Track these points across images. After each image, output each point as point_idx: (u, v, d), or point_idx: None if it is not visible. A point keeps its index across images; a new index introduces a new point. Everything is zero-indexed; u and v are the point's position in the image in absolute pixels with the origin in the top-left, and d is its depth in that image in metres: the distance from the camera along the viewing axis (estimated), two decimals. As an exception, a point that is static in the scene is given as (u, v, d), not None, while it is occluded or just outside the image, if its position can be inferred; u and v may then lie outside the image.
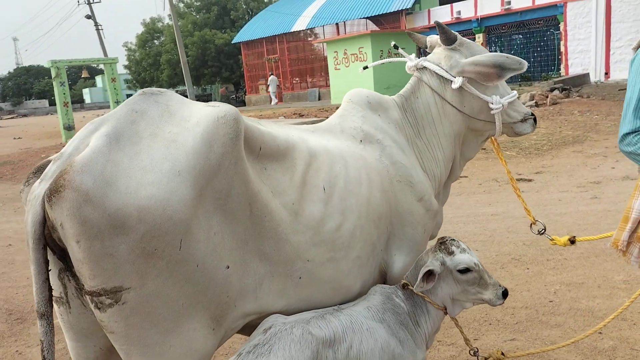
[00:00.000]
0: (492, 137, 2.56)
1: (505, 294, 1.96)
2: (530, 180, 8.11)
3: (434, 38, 2.46)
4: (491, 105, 2.29)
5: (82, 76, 26.82)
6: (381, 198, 2.01)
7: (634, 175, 7.64)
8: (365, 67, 2.72)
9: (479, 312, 3.83)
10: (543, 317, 3.74)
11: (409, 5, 24.10)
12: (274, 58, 30.28)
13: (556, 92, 16.47)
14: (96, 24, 35.73)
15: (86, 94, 76.32)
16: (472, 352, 2.20)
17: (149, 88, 1.63)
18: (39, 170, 1.53)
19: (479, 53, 2.31)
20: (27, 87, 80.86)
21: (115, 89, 19.25)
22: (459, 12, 23.60)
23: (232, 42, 34.29)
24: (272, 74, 29.31)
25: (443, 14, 24.22)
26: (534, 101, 15.16)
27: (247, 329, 1.81)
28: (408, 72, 2.45)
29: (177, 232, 1.44)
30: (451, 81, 2.25)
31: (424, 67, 2.34)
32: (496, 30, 23.69)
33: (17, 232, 7.97)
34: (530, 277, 4.46)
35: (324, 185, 1.83)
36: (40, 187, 1.44)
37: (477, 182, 8.38)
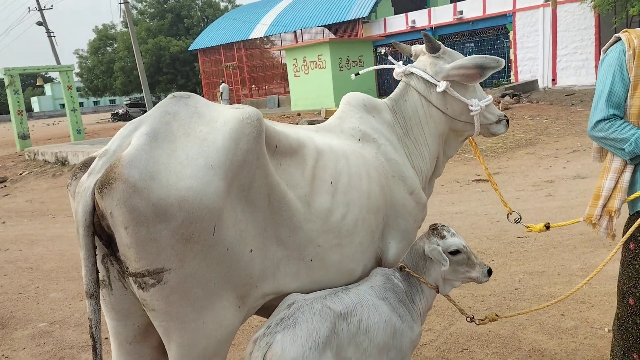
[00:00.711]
0: (470, 137, 2.80)
1: (490, 272, 2.22)
2: (488, 180, 8.55)
3: (418, 47, 2.70)
4: (471, 107, 2.52)
5: (37, 84, 26.03)
6: (379, 192, 2.23)
7: (584, 175, 8.20)
8: (357, 74, 2.94)
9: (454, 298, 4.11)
10: (510, 302, 4.06)
11: (366, 14, 24.63)
12: (232, 65, 30.27)
13: (507, 97, 17.22)
14: (48, 31, 34.81)
15: (35, 102, 73.88)
16: (468, 318, 2.43)
17: (178, 92, 1.80)
18: (85, 166, 1.68)
19: (458, 58, 2.56)
20: (-28, 95, 77.67)
21: (71, 96, 18.85)
22: (413, 21, 24.27)
23: (189, 49, 34.06)
24: (222, 82, 29.19)
25: (398, 23, 24.87)
26: (488, 106, 15.82)
27: (263, 310, 2.00)
28: (396, 78, 2.68)
29: (212, 219, 1.61)
30: (436, 85, 2.49)
31: (412, 73, 2.58)
32: (449, 39, 24.47)
33: (-19, 242, 7.82)
34: (496, 268, 4.79)
35: (331, 180, 2.03)
36: (89, 180, 1.59)
37: (440, 183, 8.76)
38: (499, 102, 16.34)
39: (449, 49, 2.66)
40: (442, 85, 2.48)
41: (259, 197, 1.78)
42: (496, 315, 2.53)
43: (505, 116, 2.77)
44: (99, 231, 1.61)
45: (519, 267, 4.76)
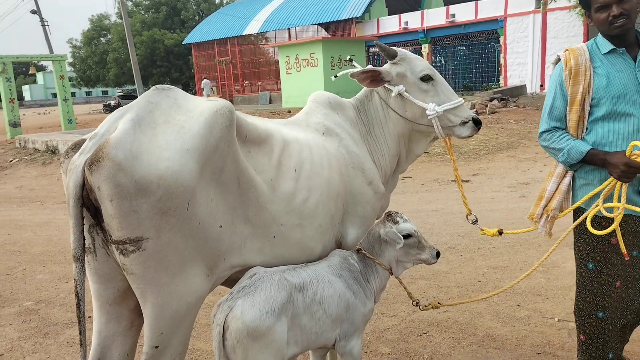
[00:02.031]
0: (444, 138, 2.86)
1: (438, 254, 2.45)
2: (467, 181, 8.84)
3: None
4: (427, 112, 2.64)
5: (30, 72, 26.02)
6: (339, 180, 2.46)
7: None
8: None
9: (418, 290, 4.37)
10: (472, 294, 4.32)
11: (359, 14, 24.88)
12: (225, 60, 30.40)
13: (495, 101, 17.53)
14: (42, 20, 34.73)
15: (26, 91, 73.51)
16: (414, 303, 2.68)
17: (160, 85, 2.04)
18: (76, 146, 1.90)
19: (417, 66, 2.66)
20: (-38, 81, 77.03)
21: (63, 86, 18.96)
22: (406, 23, 24.56)
23: (183, 42, 34.14)
24: (205, 78, 29.44)
25: (391, 24, 25.14)
26: (475, 110, 16.12)
27: (230, 282, 2.23)
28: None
29: (186, 196, 1.83)
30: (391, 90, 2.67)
31: None
32: (441, 41, 24.80)
33: (-30, 225, 7.99)
34: (463, 262, 5.06)
35: (295, 167, 2.26)
36: (80, 158, 1.80)
37: (420, 182, 9.04)
38: (486, 106, 16.65)
39: (412, 56, 2.74)
40: (395, 90, 2.64)
41: (230, 179, 2.00)
42: (439, 302, 2.77)
43: (473, 118, 2.72)
44: (87, 203, 1.83)
45: (485, 262, 5.03)
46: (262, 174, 2.14)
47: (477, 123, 2.73)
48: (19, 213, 8.84)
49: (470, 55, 24.87)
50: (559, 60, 2.66)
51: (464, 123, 2.72)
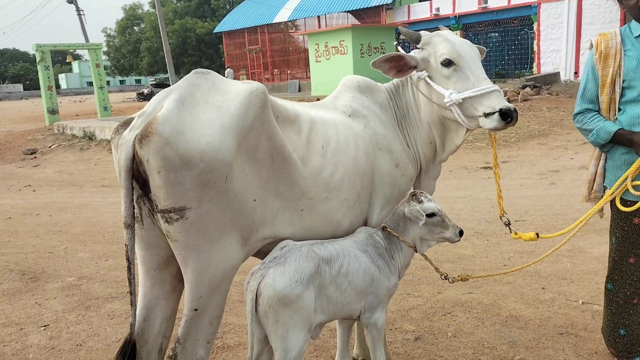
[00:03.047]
0: (472, 129, 2.64)
1: (461, 232, 2.54)
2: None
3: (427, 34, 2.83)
4: (445, 99, 2.53)
5: (67, 61, 26.75)
6: (365, 159, 2.56)
7: (589, 166, 8.41)
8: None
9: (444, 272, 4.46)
10: (497, 277, 4.39)
11: (390, 1, 24.73)
12: (256, 49, 30.63)
13: (527, 89, 17.26)
14: (78, 9, 35.51)
15: (62, 79, 75.32)
16: (443, 276, 2.76)
17: (199, 69, 2.20)
18: (126, 124, 2.09)
19: (438, 50, 2.57)
20: (1, 70, 79.31)
21: (99, 74, 19.45)
22: (437, 9, 24.31)
23: (214, 31, 34.51)
24: (228, 67, 29.90)
25: (422, 11, 24.91)
26: (506, 97, 15.90)
27: (260, 254, 2.38)
28: None
29: (224, 170, 1.98)
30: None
31: None
32: (473, 28, 24.47)
33: (14, 207, 8.38)
34: (489, 247, 5.12)
35: (322, 144, 2.39)
36: (130, 134, 1.96)
37: (449, 169, 9.06)
38: (519, 93, 16.42)
39: (437, 38, 2.64)
40: (415, 75, 2.66)
41: (264, 156, 2.15)
42: (467, 275, 2.86)
43: (501, 110, 2.39)
44: (137, 175, 2.01)
45: (511, 246, 5.07)
46: (295, 151, 2.28)
47: (505, 116, 2.38)
48: (59, 196, 9.22)
49: (503, 42, 24.48)
50: (592, 45, 2.74)
51: (488, 114, 2.43)
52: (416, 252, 2.61)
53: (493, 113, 2.42)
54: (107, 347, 3.61)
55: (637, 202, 2.61)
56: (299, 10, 28.36)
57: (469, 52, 2.58)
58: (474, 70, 2.53)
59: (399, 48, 2.93)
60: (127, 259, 2.04)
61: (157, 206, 1.99)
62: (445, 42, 2.60)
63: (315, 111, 2.56)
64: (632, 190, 2.58)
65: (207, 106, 2.04)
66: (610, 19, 19.86)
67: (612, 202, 2.75)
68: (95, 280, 4.92)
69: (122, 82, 74.96)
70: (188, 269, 2.07)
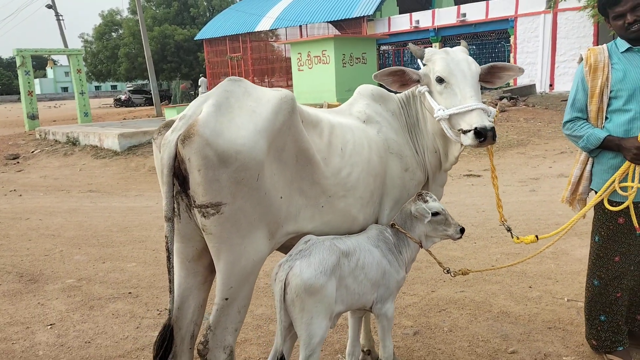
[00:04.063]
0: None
1: (462, 230, 2.76)
2: (479, 176, 9.14)
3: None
4: (434, 114, 2.70)
5: (48, 66, 26.49)
6: (377, 161, 2.75)
7: (567, 174, 8.78)
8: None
9: (435, 273, 4.68)
10: (486, 276, 4.62)
11: (371, 12, 25.14)
12: (237, 57, 30.76)
13: (505, 100, 17.77)
14: (57, 14, 35.17)
15: (36, 84, 74.20)
16: (445, 270, 2.96)
17: (233, 77, 2.38)
18: (167, 126, 2.27)
19: (435, 67, 2.71)
20: (-29, 75, 77.70)
21: (80, 80, 19.36)
22: (417, 22, 24.79)
23: (195, 38, 34.50)
24: (202, 76, 30.22)
25: (402, 23, 25.38)
26: (490, 117, 16.27)
27: (283, 249, 2.56)
28: None
29: (257, 169, 2.15)
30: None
31: None
32: (452, 40, 25.00)
33: (2, 211, 8.36)
34: (477, 249, 5.37)
35: (341, 146, 2.59)
36: (172, 135, 2.14)
37: (433, 177, 9.34)
38: (496, 104, 16.88)
39: (439, 55, 2.75)
40: (417, 89, 2.82)
41: (290, 157, 2.33)
42: (467, 269, 3.06)
43: (477, 128, 2.48)
44: (177, 173, 2.16)
45: (498, 248, 5.33)
46: (317, 152, 2.47)
47: (479, 134, 2.47)
48: (47, 200, 9.21)
49: (481, 54, 25.06)
50: (582, 59, 3.00)
51: (466, 131, 2.55)
52: (421, 247, 2.80)
53: (469, 130, 2.52)
54: (115, 344, 3.72)
55: (623, 202, 2.85)
56: (281, 19, 28.63)
57: (462, 71, 2.68)
58: (462, 88, 2.64)
59: (420, 62, 2.99)
60: (167, 249, 2.20)
61: (194, 201, 2.16)
62: (441, 60, 2.71)
63: (333, 116, 2.76)
64: (619, 192, 2.82)
65: (241, 111, 2.22)
66: (584, 34, 20.57)
67: (598, 202, 2.99)
68: (95, 281, 5.01)
69: (97, 87, 74.17)
70: (221, 261, 2.23)
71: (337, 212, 2.57)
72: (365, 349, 3.27)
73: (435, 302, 4.16)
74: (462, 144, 2.67)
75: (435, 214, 2.69)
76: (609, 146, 2.86)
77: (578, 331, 3.57)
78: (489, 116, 2.60)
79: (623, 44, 2.90)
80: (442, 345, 3.47)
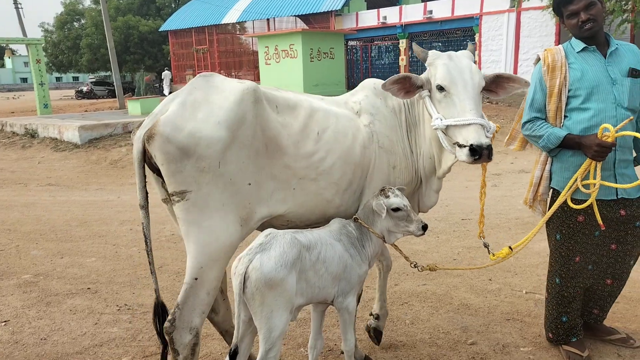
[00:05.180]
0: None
1: (425, 227, 2.74)
2: (443, 172, 9.26)
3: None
4: (431, 123, 2.61)
5: (6, 56, 25.60)
6: (361, 152, 2.73)
7: (528, 169, 8.98)
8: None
9: (399, 267, 4.72)
10: (448, 270, 4.69)
11: (339, 7, 25.10)
12: (203, 49, 30.32)
13: (469, 97, 18.04)
14: (15, 2, 33.98)
15: (-7, 74, 71.67)
16: (412, 265, 2.94)
17: (204, 72, 2.50)
18: (141, 123, 2.39)
19: (436, 74, 2.62)
20: None
21: (40, 70, 18.78)
22: (384, 18, 24.89)
23: (160, 29, 33.80)
24: (166, 69, 30.63)
25: (370, 18, 25.45)
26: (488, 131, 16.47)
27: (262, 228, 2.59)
28: None
29: (217, 157, 2.28)
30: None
31: None
32: (418, 37, 25.21)
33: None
34: (440, 243, 5.44)
35: (318, 131, 2.62)
36: (140, 132, 2.33)
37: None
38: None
39: (442, 60, 2.65)
40: (418, 94, 2.69)
41: (259, 145, 2.42)
42: (436, 265, 3.03)
43: (471, 145, 2.39)
44: (152, 167, 2.36)
45: (460, 242, 5.41)
46: (290, 136, 2.53)
47: (474, 152, 2.39)
48: (3, 194, 8.92)
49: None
50: (539, 59, 3.04)
51: (461, 146, 2.46)
52: (385, 242, 2.80)
53: (465, 146, 2.43)
54: (72, 341, 3.63)
55: (585, 200, 2.87)
56: (248, 12, 28.33)
57: (464, 80, 2.57)
58: (462, 99, 2.53)
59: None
60: (144, 234, 2.45)
61: (167, 191, 2.37)
62: (443, 67, 2.61)
63: (320, 103, 2.78)
64: (582, 189, 2.84)
65: (206, 105, 2.35)
66: (546, 33, 21.02)
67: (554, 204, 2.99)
68: (52, 277, 4.87)
69: (58, 79, 72.09)
70: (190, 243, 2.37)
71: (310, 194, 2.62)
72: (374, 313, 3.40)
73: (397, 295, 4.20)
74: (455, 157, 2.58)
75: (396, 209, 2.69)
76: (569, 144, 2.89)
77: (535, 322, 3.65)
78: (487, 132, 2.49)
79: (578, 44, 2.95)
80: (404, 338, 3.51)
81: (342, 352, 2.77)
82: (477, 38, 22.98)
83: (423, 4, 24.48)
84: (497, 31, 22.52)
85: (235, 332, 2.33)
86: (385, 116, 2.86)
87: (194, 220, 2.33)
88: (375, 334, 3.40)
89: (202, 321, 2.41)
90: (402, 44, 24.85)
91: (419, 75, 2.74)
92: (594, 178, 2.82)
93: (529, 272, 4.60)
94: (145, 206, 2.38)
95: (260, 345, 2.28)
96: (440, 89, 2.59)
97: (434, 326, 3.65)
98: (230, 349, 2.34)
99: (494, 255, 3.01)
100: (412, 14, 24.42)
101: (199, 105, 2.34)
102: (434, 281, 4.44)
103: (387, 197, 2.71)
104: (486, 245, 3.03)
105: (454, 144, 2.50)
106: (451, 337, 3.49)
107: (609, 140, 2.73)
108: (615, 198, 2.94)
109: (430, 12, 23.74)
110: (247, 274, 2.22)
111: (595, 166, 2.82)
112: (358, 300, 3.22)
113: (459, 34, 24.19)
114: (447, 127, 2.53)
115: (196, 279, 2.36)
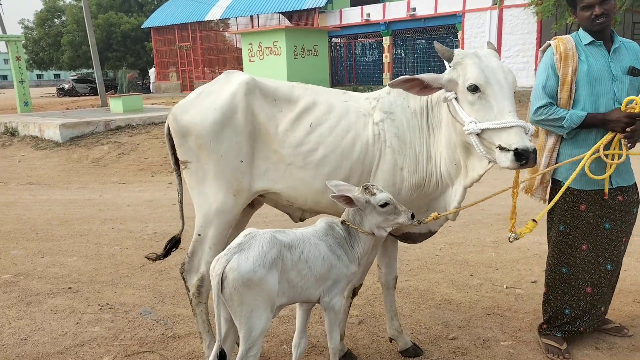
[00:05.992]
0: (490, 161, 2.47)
1: (413, 216, 2.72)
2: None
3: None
4: (464, 127, 2.40)
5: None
6: (361, 149, 2.73)
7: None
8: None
9: (382, 263, 4.75)
10: (430, 266, 4.74)
11: (322, 4, 25.08)
12: (186, 46, 30.10)
13: (452, 94, 18.16)
14: (-6, -2, 33.36)
15: (-27, 71, 70.43)
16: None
17: (230, 70, 3.01)
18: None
19: (466, 74, 2.44)
20: None
21: (20, 67, 18.50)
22: (368, 15, 24.94)
23: (143, 26, 33.46)
24: (153, 67, 31.72)
25: (354, 15, 25.48)
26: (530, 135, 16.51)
27: (269, 200, 3.05)
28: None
29: (208, 136, 2.77)
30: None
31: None
32: (402, 34, 25.32)
33: None
34: (423, 239, 5.47)
35: (311, 123, 2.79)
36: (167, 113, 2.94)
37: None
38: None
39: (471, 58, 2.47)
40: (443, 96, 2.54)
41: (252, 130, 2.81)
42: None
43: (516, 149, 2.23)
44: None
45: (442, 238, 5.46)
46: (281, 124, 2.81)
47: (520, 156, 2.22)
48: (-18, 193, 8.78)
49: (430, 48, 25.45)
50: (548, 46, 3.05)
51: (503, 149, 2.27)
52: (374, 236, 2.75)
53: (508, 150, 2.25)
54: (53, 340, 3.60)
55: (585, 189, 2.96)
56: (231, 9, 28.18)
57: (500, 80, 2.41)
58: (499, 100, 2.37)
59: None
60: (178, 191, 3.11)
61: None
62: (474, 66, 2.44)
63: (329, 97, 2.90)
64: (603, 158, 2.85)
65: (214, 94, 2.84)
66: (528, 30, 21.22)
67: (554, 195, 3.00)
68: (33, 277, 4.82)
69: (39, 76, 71.10)
70: (195, 204, 2.91)
71: (297, 180, 2.83)
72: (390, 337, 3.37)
73: (380, 291, 4.21)
74: (494, 163, 2.41)
75: (384, 204, 2.67)
76: (592, 122, 2.90)
77: (515, 317, 3.70)
78: (526, 134, 2.33)
79: (586, 37, 2.99)
80: (386, 333, 3.53)
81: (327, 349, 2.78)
82: (459, 35, 23.13)
83: (406, 1, 24.54)
84: (479, 28, 22.68)
85: (217, 333, 2.32)
86: (403, 116, 2.75)
87: (194, 186, 2.88)
88: (410, 353, 3.25)
89: (207, 269, 2.81)
90: (386, 41, 24.92)
91: (440, 74, 2.55)
92: (620, 149, 2.87)
93: (509, 267, 4.66)
94: (177, 171, 3.02)
95: (241, 345, 2.28)
96: (474, 89, 2.40)
97: (416, 322, 3.69)
98: (216, 352, 2.30)
99: (520, 233, 2.78)
100: (396, 11, 24.48)
101: (209, 94, 2.84)
102: (416, 277, 4.48)
103: (373, 194, 2.68)
104: (517, 238, 2.80)
105: (496, 147, 2.30)
106: (433, 332, 3.52)
107: (635, 111, 2.80)
108: (611, 187, 3.01)
109: (414, 9, 23.82)
110: (225, 274, 2.21)
111: (620, 139, 2.86)
112: (354, 295, 3.26)
113: (442, 31, 24.31)
114: (483, 130, 2.35)
115: (199, 235, 2.90)
